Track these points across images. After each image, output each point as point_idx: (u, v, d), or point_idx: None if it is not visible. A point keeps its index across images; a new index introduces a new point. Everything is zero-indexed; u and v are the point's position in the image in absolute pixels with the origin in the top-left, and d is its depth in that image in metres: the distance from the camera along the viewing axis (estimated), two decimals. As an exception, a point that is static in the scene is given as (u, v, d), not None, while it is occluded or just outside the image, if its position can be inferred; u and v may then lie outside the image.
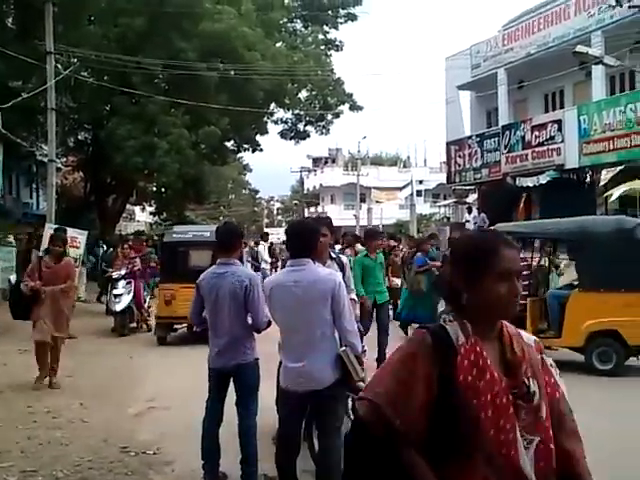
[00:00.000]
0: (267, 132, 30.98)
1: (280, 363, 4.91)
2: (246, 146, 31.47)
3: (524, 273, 10.40)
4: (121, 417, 7.42)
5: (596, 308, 9.85)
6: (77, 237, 15.92)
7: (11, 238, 19.53)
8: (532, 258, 11.67)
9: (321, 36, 31.38)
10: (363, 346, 4.98)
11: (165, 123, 23.58)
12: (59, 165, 27.06)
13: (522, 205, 23.12)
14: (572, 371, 9.74)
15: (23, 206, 31.75)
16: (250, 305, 5.27)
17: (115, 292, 14.09)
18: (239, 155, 39.51)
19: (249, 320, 5.36)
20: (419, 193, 52.25)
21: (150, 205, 37.48)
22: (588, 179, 21.01)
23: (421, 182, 55.13)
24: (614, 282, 9.79)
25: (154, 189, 32.12)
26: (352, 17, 31.39)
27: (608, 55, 18.12)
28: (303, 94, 30.72)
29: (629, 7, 18.01)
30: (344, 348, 4.62)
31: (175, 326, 13.22)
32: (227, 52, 24.32)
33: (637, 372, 10.10)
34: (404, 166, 65.78)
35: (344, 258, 6.76)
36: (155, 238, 23.57)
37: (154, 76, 24.82)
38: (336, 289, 4.57)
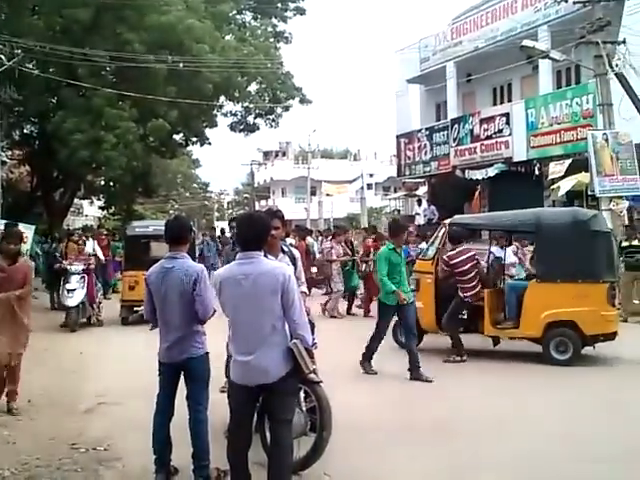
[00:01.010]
0: (216, 125, 30.68)
1: (229, 357, 4.87)
2: (194, 139, 31.12)
3: (476, 264, 10.50)
4: (71, 414, 7.27)
5: (553, 299, 9.97)
6: (24, 232, 15.52)
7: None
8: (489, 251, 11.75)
9: (270, 29, 31.20)
10: (314, 338, 4.97)
11: (112, 116, 23.13)
12: (4, 159, 26.37)
13: (476, 197, 23.39)
14: (530, 361, 9.93)
15: (-34, 201, 30.86)
16: (197, 297, 5.21)
17: (68, 287, 13.87)
18: (188, 148, 39.08)
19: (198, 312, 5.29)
20: (369, 186, 52.54)
21: (99, 199, 36.77)
22: (536, 172, 21.35)
23: (371, 175, 55.43)
24: (570, 273, 9.93)
25: (102, 183, 31.54)
26: (301, 11, 31.28)
27: (554, 49, 18.45)
28: (253, 87, 30.46)
29: (574, 2, 18.31)
30: (294, 341, 4.61)
31: (135, 308, 14.55)
32: (175, 44, 23.96)
33: (593, 361, 10.27)
34: (354, 159, 66.04)
35: (295, 251, 6.73)
36: (105, 233, 23.07)
37: (101, 68, 24.31)
38: (286, 282, 4.56)
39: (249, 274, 4.55)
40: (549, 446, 6.03)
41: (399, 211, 33.36)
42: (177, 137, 30.42)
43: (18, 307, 7.26)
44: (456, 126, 24.96)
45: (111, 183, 29.18)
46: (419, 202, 28.25)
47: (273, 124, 31.89)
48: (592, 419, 7.04)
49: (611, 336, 10.30)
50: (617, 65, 16.77)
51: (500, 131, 23.03)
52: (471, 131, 24.20)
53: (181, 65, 24.21)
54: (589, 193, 17.54)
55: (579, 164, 18.65)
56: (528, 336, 10.35)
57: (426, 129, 27.09)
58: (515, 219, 10.94)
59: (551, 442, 6.12)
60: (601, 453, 5.87)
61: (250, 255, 4.61)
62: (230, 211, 78.98)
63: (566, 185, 18.82)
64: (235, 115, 31.73)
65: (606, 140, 16.52)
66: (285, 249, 6.34)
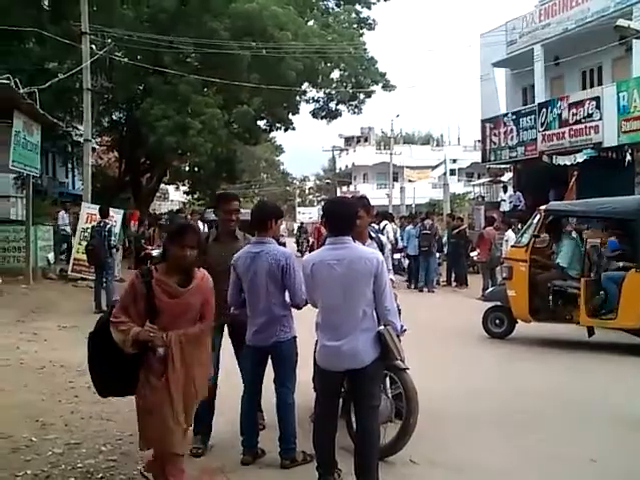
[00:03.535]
0: (299, 111, 30.98)
1: (316, 342, 4.90)
2: (278, 125, 31.40)
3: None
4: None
5: None
6: (114, 216, 16.09)
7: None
8: (585, 238, 11.40)
9: (354, 15, 31.09)
10: (402, 325, 4.97)
11: (198, 103, 23.64)
12: (94, 145, 27.29)
13: (572, 183, 22.63)
14: (628, 354, 9.65)
15: (59, 186, 32.12)
16: (288, 283, 5.26)
17: None
18: (272, 134, 39.51)
19: (287, 298, 5.35)
20: (452, 172, 51.84)
21: (184, 184, 37.69)
22: (628, 157, 20.58)
23: (454, 161, 54.63)
24: None
25: (187, 168, 32.29)
26: (386, -5, 31.06)
27: (651, 29, 17.71)
28: (336, 74, 30.52)
29: (672, -21, 17.51)
30: (387, 327, 4.61)
31: None
32: (258, 31, 24.24)
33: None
34: (437, 145, 65.25)
35: (383, 238, 6.70)
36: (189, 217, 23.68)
37: (186, 56, 24.86)
38: (379, 267, 4.56)
39: (342, 259, 4.54)
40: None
41: (483, 197, 32.81)
42: (261, 123, 30.80)
43: (198, 355, 4.32)
44: (544, 110, 24.28)
45: (196, 168, 29.91)
46: (504, 188, 27.70)
47: (356, 110, 31.86)
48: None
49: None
50: None
51: (590, 115, 22.27)
52: (559, 115, 23.49)
53: (264, 52, 24.48)
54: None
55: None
56: (625, 327, 10.03)
57: (512, 114, 26.45)
58: (615, 206, 10.49)
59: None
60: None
61: (341, 240, 4.60)
62: (311, 197, 79.50)
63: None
64: (317, 102, 31.91)
65: None
66: (373, 235, 6.32)
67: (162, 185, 38.99)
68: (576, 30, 23.48)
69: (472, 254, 19.02)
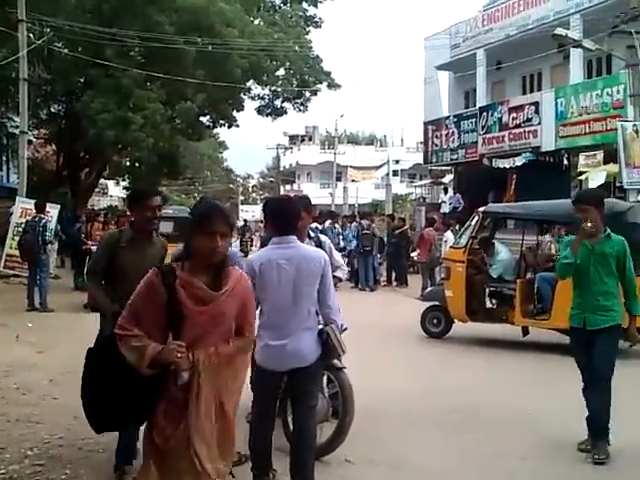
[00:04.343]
0: (243, 108, 30.72)
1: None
2: (222, 121, 31.14)
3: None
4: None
5: None
6: (50, 211, 15.67)
7: None
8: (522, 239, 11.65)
9: (301, 13, 31.07)
10: (342, 324, 4.98)
11: (140, 97, 23.24)
12: (31, 137, 26.57)
13: (512, 186, 23.08)
14: (556, 353, 9.82)
15: (-7, 179, 31.20)
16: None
17: None
18: (215, 131, 39.16)
19: None
20: (395, 173, 52.25)
21: (124, 180, 37.02)
22: (565, 162, 21.11)
23: (397, 162, 55.10)
24: None
25: (128, 163, 31.72)
26: (332, -6, 31.15)
27: (586, 38, 18.15)
28: (281, 71, 30.44)
29: (608, -9, 18.01)
30: (331, 325, 4.63)
31: None
32: (205, 27, 23.97)
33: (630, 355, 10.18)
34: (381, 145, 65.72)
35: (323, 237, 6.68)
36: (128, 213, 23.23)
37: (130, 49, 24.41)
38: (326, 266, 4.59)
39: (291, 258, 4.50)
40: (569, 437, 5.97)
41: (425, 199, 33.21)
42: (204, 119, 30.48)
43: (231, 381, 3.38)
44: (485, 114, 24.74)
45: (137, 164, 29.37)
46: (445, 190, 28.10)
47: (301, 108, 31.87)
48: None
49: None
50: (650, 56, 16.47)
51: (529, 120, 22.79)
52: (500, 119, 23.97)
53: (210, 48, 24.24)
54: (617, 184, 17.30)
55: (608, 155, 18.40)
56: (558, 327, 10.24)
57: (454, 116, 26.88)
58: (551, 209, 10.75)
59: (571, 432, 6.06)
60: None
61: (287, 240, 4.57)
62: (254, 195, 79.20)
63: (597, 177, 18.56)
64: (263, 99, 31.75)
65: (636, 132, 16.26)
66: (312, 234, 6.29)
67: (102, 180, 38.21)
68: (517, 36, 24.00)
69: (412, 254, 19.21)
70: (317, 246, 5.99)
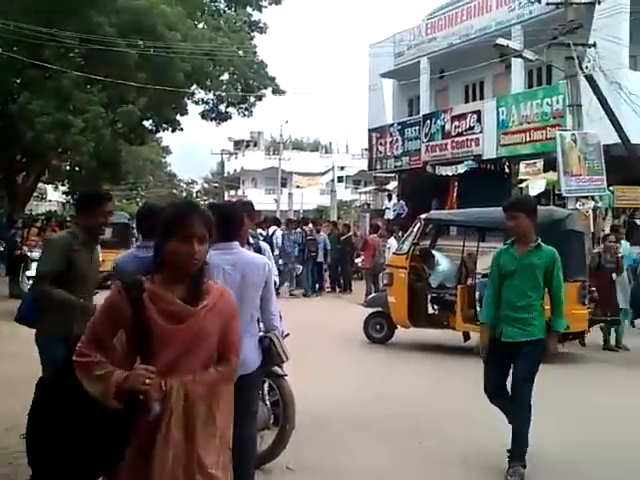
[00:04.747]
0: (187, 113, 30.38)
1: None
2: (165, 126, 30.74)
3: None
4: (26, 405, 7.05)
5: None
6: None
7: None
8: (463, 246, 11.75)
9: (245, 18, 30.95)
10: (283, 330, 4.93)
11: (81, 100, 22.75)
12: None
13: (454, 193, 23.36)
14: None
15: None
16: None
17: (28, 274, 13.45)
18: (158, 135, 38.69)
19: None
20: (340, 179, 52.51)
21: (63, 184, 36.25)
22: (506, 170, 21.49)
23: (342, 168, 55.37)
24: None
25: (68, 168, 31.04)
26: (277, 0, 31.08)
27: (527, 49, 18.52)
28: (225, 76, 30.25)
29: (547, 4, 18.41)
30: (273, 331, 4.59)
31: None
32: (147, 30, 23.61)
33: (561, 358, 10.37)
34: (326, 152, 65.94)
35: (263, 244, 6.67)
36: (68, 219, 22.70)
37: (69, 50, 23.88)
38: (269, 273, 4.55)
39: (235, 264, 4.41)
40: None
41: (369, 205, 33.39)
42: (147, 123, 30.05)
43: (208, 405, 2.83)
44: (428, 122, 25.02)
45: (77, 168, 28.76)
46: (389, 197, 28.30)
47: (246, 113, 31.72)
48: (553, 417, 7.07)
49: (580, 334, 10.46)
50: (587, 67, 16.87)
51: (471, 128, 23.14)
52: (443, 127, 24.28)
53: (152, 51, 23.89)
54: (556, 192, 17.66)
55: (548, 163, 18.79)
56: (499, 331, 10.38)
57: (398, 124, 27.12)
58: (492, 216, 10.86)
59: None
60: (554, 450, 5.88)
61: (230, 245, 4.47)
62: (198, 200, 78.43)
63: (537, 185, 18.93)
64: (207, 103, 31.47)
65: (574, 141, 16.61)
66: (251, 241, 6.27)
67: (40, 185, 37.32)
68: (460, 45, 24.35)
69: (357, 260, 19.25)
70: (257, 252, 5.98)
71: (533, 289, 5.36)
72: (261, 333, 4.62)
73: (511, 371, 5.43)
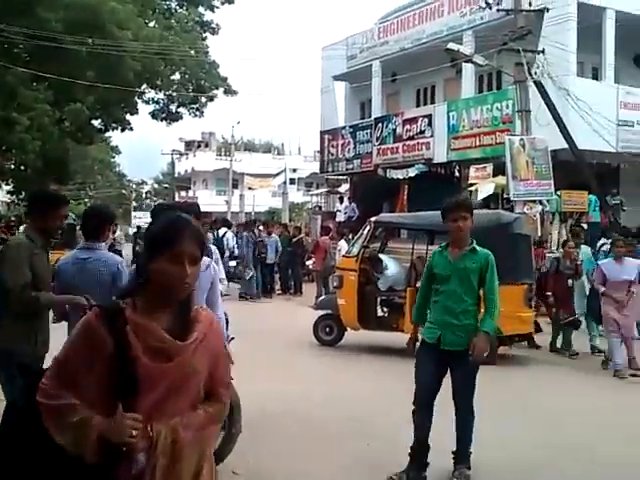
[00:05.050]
0: (137, 112, 29.97)
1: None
2: (115, 125, 30.26)
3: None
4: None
5: None
6: None
7: None
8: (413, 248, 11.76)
9: (197, 18, 30.70)
10: (228, 335, 4.88)
11: (26, 97, 22.23)
12: None
13: (404, 196, 23.45)
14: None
15: None
16: (117, 292, 4.91)
17: None
18: (107, 135, 38.09)
19: None
20: (292, 181, 52.45)
21: (7, 184, 35.36)
22: (456, 174, 21.68)
23: (295, 170, 55.33)
24: None
25: (12, 167, 30.30)
26: (229, 0, 30.89)
27: (478, 54, 18.71)
28: (176, 76, 29.95)
29: (498, 10, 18.64)
30: None
31: None
32: (96, 27, 23.16)
33: (510, 361, 10.52)
34: (278, 153, 65.82)
35: (212, 247, 6.65)
36: (12, 219, 22.13)
37: (14, 45, 23.29)
38: (215, 275, 4.63)
39: None
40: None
41: (321, 207, 33.38)
42: (95, 122, 29.55)
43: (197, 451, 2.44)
44: (380, 125, 25.10)
45: (22, 167, 28.10)
46: (340, 199, 28.30)
47: (197, 113, 31.48)
48: (504, 419, 7.11)
49: (527, 336, 10.60)
50: (536, 73, 17.14)
51: (422, 132, 23.28)
52: (394, 131, 24.38)
53: (101, 49, 23.45)
54: (505, 196, 17.88)
55: (497, 168, 19.01)
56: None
57: (350, 127, 27.15)
58: (440, 220, 10.91)
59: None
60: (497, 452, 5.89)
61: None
62: (148, 201, 77.54)
63: (486, 189, 19.15)
64: (157, 103, 31.12)
65: (523, 145, 16.85)
66: None
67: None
68: (412, 49, 24.45)
69: (307, 263, 19.21)
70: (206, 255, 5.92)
71: (469, 293, 5.23)
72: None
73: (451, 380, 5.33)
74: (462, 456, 5.32)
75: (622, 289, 9.55)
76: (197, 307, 2.44)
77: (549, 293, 11.25)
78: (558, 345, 11.34)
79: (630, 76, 21.31)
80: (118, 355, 2.20)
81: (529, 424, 7.01)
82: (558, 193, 17.53)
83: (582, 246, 12.54)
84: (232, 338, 5.15)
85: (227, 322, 5.30)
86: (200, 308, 2.48)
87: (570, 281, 11.25)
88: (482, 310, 5.30)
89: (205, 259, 4.66)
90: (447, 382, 5.36)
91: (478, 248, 5.34)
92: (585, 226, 17.78)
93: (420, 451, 5.29)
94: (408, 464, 5.29)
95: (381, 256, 11.71)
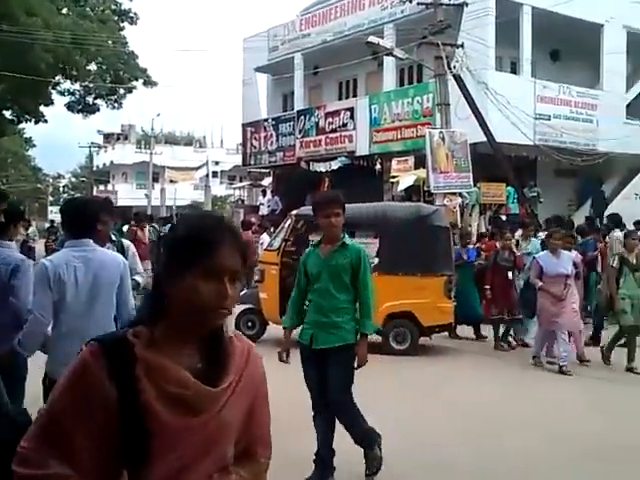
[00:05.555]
0: (52, 103, 28.96)
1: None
2: (27, 117, 29.16)
3: None
4: None
5: (394, 291, 10.14)
6: None
7: None
8: None
9: (114, 6, 29.86)
10: None
11: None
12: None
13: (326, 189, 23.39)
14: (369, 352, 9.93)
15: None
16: (16, 291, 4.66)
17: None
18: (20, 127, 36.73)
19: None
20: (215, 174, 51.85)
21: None
22: (378, 166, 21.77)
23: (217, 163, 54.72)
24: (412, 266, 10.16)
25: None
26: (148, -12, 30.21)
27: (398, 48, 18.81)
28: (93, 66, 29.06)
29: (418, 4, 18.76)
30: None
31: None
32: (4, 14, 22.19)
33: (429, 351, 10.57)
34: (200, 146, 64.96)
35: (126, 241, 6.50)
36: None
37: None
38: (124, 271, 4.36)
39: (87, 262, 4.19)
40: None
41: (243, 201, 33.08)
42: (7, 113, 28.40)
43: None
44: (302, 118, 25.00)
45: None
46: (263, 192, 28.12)
47: (115, 105, 30.70)
48: (417, 406, 7.11)
49: (447, 327, 10.71)
50: (455, 67, 17.35)
51: (344, 125, 23.30)
52: (317, 124, 24.32)
53: (9, 37, 22.45)
54: (425, 189, 18.06)
55: (419, 160, 19.19)
56: (371, 326, 10.46)
57: (272, 119, 26.95)
58: (362, 213, 10.95)
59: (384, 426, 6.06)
60: (431, 437, 5.87)
61: (83, 242, 4.24)
62: (65, 195, 75.41)
63: (406, 181, 19.31)
64: (73, 94, 30.13)
65: (443, 138, 17.05)
66: (114, 238, 6.13)
67: None
68: (334, 42, 24.42)
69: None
70: (119, 251, 5.76)
71: (341, 291, 5.02)
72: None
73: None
74: (367, 445, 5.22)
75: (559, 283, 9.31)
76: (229, 335, 1.80)
77: (487, 286, 11.03)
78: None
79: (547, 70, 21.84)
80: (124, 407, 1.62)
81: (441, 412, 7.07)
82: (477, 185, 17.83)
83: (532, 239, 12.18)
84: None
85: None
86: (233, 336, 1.83)
87: (509, 273, 10.97)
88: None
89: (115, 256, 4.49)
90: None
91: (349, 242, 5.15)
92: (504, 218, 18.16)
93: (323, 456, 5.18)
94: (313, 471, 5.18)
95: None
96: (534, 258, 9.95)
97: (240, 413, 1.78)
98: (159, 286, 1.72)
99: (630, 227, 16.11)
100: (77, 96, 30.30)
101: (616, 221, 14.60)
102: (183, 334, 1.70)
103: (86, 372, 1.64)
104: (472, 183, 17.09)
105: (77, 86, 29.72)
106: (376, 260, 10.29)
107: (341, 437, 5.24)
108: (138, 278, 6.13)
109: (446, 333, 11.51)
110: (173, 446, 1.64)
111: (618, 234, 12.42)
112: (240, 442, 1.82)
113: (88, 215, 4.39)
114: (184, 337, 1.70)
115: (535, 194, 19.85)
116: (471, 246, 12.72)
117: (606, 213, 18.06)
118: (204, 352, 1.72)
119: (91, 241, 4.30)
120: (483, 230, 16.90)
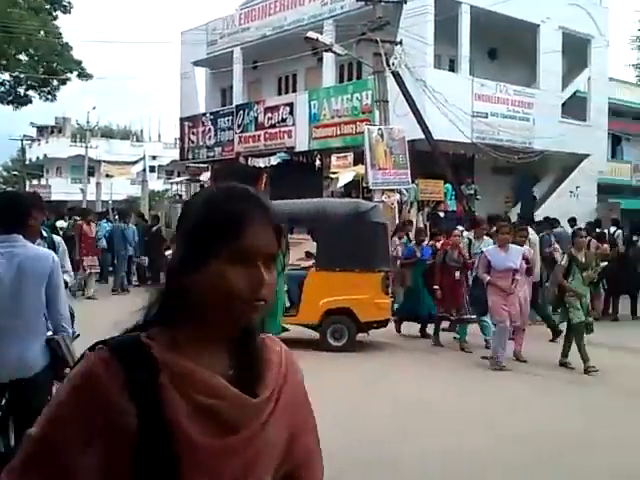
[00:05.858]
0: (-21, 93, 28.04)
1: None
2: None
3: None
4: None
5: (331, 287, 10.17)
6: None
7: None
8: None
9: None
10: (74, 331, 4.57)
11: None
12: None
13: (263, 185, 23.25)
14: (309, 348, 9.93)
15: None
16: None
17: None
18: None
19: None
20: (152, 169, 50.93)
21: None
22: (317, 162, 21.76)
23: (154, 157, 53.87)
24: (349, 262, 10.17)
25: None
26: (82, -23, 29.48)
27: (338, 44, 18.80)
28: (24, 57, 28.21)
29: (357, 0, 18.77)
30: (62, 333, 4.23)
31: None
32: None
33: (366, 347, 10.60)
34: (137, 140, 63.88)
35: (57, 237, 6.33)
36: None
37: None
38: (55, 268, 4.19)
39: (13, 257, 4.04)
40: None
41: (181, 196, 32.64)
42: None
43: None
44: (241, 113, 24.81)
45: None
46: (202, 188, 27.78)
47: (49, 97, 29.87)
48: (355, 403, 7.11)
49: (384, 323, 10.74)
50: (394, 64, 17.42)
51: (284, 120, 23.20)
52: (256, 119, 24.16)
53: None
54: (364, 185, 18.12)
55: (358, 157, 19.24)
56: (306, 323, 10.42)
57: (211, 114, 26.67)
58: (300, 208, 10.97)
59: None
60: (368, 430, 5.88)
61: (11, 238, 4.09)
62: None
63: (345, 177, 19.34)
64: (3, 84, 29.20)
65: (381, 135, 17.11)
66: (45, 234, 5.93)
67: None
68: (274, 37, 24.30)
69: (167, 253, 18.64)
70: (50, 247, 5.60)
71: None
72: (50, 333, 4.24)
73: None
74: None
75: (507, 277, 9.25)
76: (264, 337, 1.47)
77: (436, 287, 10.86)
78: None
79: (484, 69, 22.19)
80: (145, 426, 1.24)
81: (379, 409, 7.09)
82: (415, 182, 17.97)
83: (485, 237, 11.42)
84: (77, 335, 4.83)
85: (73, 318, 4.99)
86: (265, 337, 1.48)
87: (457, 273, 10.74)
88: None
89: (44, 252, 4.32)
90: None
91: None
92: (442, 214, 18.37)
93: None
94: None
95: None
96: (482, 252, 9.82)
97: (284, 429, 1.42)
98: (175, 279, 1.36)
99: (564, 224, 16.57)
100: (7, 86, 29.40)
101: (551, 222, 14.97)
102: (209, 335, 1.35)
103: (93, 384, 1.27)
104: (410, 180, 17.21)
105: (7, 76, 28.83)
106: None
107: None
108: (66, 277, 5.96)
109: (383, 329, 11.51)
110: (206, 475, 1.27)
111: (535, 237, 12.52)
112: (281, 468, 1.44)
113: (19, 210, 4.26)
114: (211, 338, 1.35)
115: (472, 191, 20.14)
116: (425, 243, 12.57)
117: (536, 212, 18.46)
118: (236, 356, 1.38)
119: (19, 236, 4.16)
120: (421, 226, 17.01)
